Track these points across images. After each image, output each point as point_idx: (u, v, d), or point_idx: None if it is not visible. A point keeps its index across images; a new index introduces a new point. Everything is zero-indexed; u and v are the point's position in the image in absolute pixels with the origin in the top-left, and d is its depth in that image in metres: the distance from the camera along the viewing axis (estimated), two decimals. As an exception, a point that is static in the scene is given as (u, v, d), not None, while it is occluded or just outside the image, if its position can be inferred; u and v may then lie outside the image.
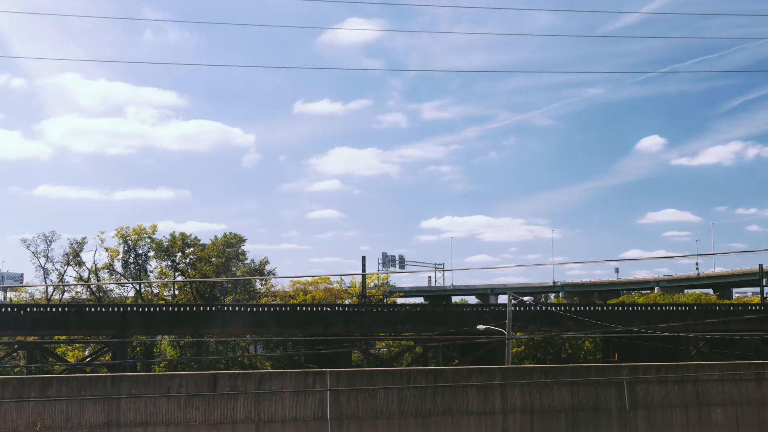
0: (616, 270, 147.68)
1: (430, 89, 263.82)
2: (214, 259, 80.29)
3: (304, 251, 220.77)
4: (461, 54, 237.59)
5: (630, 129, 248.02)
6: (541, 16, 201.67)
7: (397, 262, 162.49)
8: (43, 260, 78.88)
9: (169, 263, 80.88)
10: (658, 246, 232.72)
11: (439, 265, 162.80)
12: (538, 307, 63.69)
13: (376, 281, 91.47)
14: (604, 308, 64.13)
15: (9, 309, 54.76)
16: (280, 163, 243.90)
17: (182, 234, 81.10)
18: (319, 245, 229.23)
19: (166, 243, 79.62)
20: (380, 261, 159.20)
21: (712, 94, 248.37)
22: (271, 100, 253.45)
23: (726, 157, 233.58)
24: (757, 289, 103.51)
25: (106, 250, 78.47)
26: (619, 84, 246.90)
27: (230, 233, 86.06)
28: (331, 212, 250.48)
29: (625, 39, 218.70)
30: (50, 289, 79.66)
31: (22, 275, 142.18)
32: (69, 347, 70.99)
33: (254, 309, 57.57)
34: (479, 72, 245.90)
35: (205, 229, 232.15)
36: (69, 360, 65.77)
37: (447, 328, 55.70)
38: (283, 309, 58.81)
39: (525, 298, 53.95)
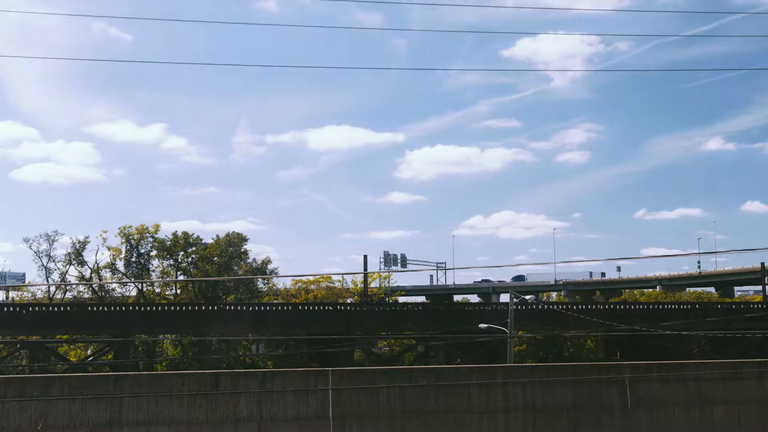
0: (618, 268, 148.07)
1: (440, 51, 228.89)
2: (216, 259, 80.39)
3: (322, 251, 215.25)
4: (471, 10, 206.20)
5: (661, 105, 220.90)
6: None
7: (399, 260, 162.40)
8: (45, 259, 79.07)
9: (172, 262, 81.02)
10: (676, 242, 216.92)
11: (441, 263, 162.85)
12: (540, 306, 63.73)
13: (378, 279, 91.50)
14: (606, 307, 64.22)
15: (11, 308, 54.92)
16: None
17: (184, 233, 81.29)
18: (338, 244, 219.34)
19: (169, 242, 79.75)
20: (381, 260, 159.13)
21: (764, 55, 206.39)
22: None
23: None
24: (759, 288, 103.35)
25: (108, 249, 78.72)
26: (650, 48, 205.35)
27: (232, 233, 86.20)
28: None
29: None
30: (52, 288, 79.83)
31: (24, 275, 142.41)
32: (71, 347, 71.14)
33: (256, 308, 57.64)
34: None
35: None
36: (71, 359, 65.89)
37: (449, 327, 55.71)
38: (285, 308, 58.90)
39: (527, 297, 53.91)
